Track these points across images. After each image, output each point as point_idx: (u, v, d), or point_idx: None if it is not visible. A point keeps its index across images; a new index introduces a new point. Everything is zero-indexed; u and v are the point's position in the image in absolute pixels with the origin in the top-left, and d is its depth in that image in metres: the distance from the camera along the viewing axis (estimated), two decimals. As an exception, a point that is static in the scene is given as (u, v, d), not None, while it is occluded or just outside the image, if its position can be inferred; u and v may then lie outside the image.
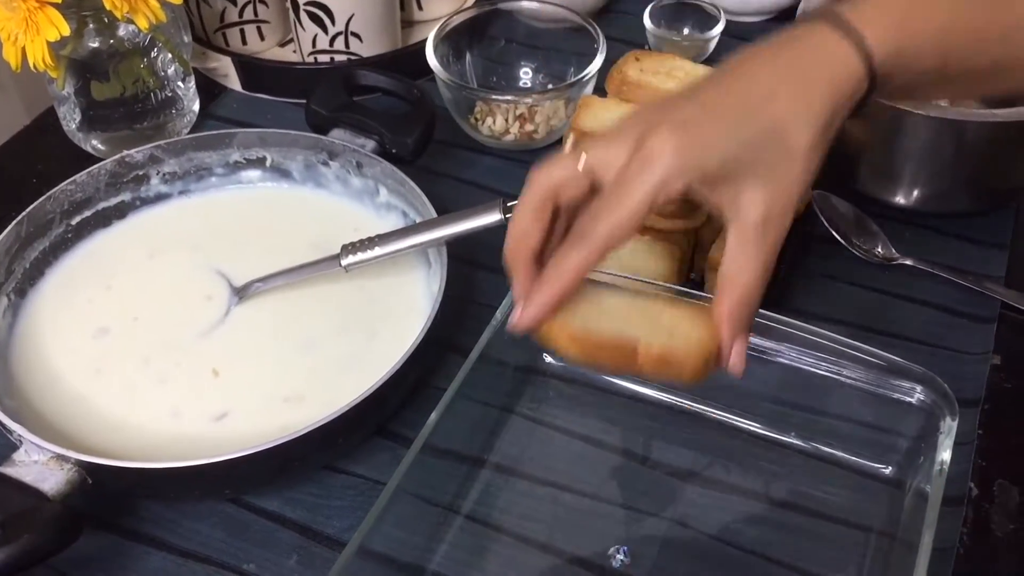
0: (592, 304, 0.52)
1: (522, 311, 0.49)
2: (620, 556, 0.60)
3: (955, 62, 0.49)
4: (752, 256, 0.48)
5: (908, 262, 0.77)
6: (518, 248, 0.49)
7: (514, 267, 0.50)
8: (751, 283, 0.48)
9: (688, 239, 0.73)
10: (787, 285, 0.75)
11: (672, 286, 0.66)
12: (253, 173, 0.80)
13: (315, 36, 0.94)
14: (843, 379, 0.62)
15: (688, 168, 0.46)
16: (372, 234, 0.69)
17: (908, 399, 0.60)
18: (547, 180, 0.49)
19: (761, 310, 0.54)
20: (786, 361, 0.63)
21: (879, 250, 0.78)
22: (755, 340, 0.62)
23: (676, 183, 0.46)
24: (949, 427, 0.58)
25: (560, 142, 0.74)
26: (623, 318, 0.52)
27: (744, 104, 0.47)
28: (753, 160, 0.47)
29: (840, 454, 0.65)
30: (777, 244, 0.48)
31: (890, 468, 0.63)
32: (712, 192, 0.48)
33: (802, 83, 0.47)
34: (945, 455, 0.56)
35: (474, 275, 0.78)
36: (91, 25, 0.80)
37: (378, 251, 0.69)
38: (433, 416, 0.59)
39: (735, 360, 0.50)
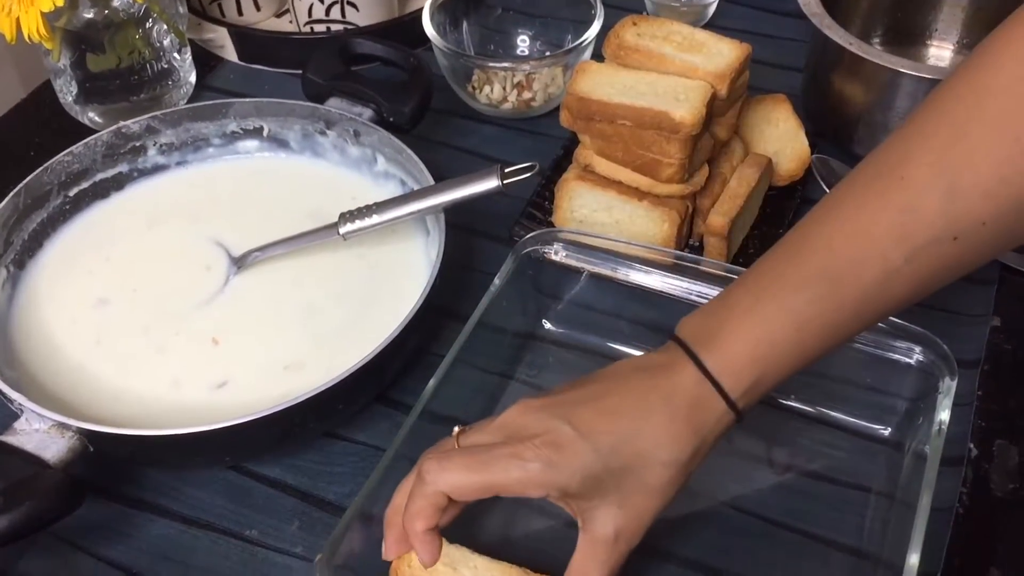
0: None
1: (385, 549, 0.54)
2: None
3: (815, 353, 0.51)
4: (600, 565, 0.50)
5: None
6: (393, 520, 0.53)
7: (386, 530, 0.54)
8: None
9: (686, 204, 0.73)
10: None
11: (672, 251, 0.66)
12: (250, 143, 0.80)
13: (311, 6, 0.94)
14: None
15: (547, 483, 0.49)
16: (370, 202, 0.69)
17: (907, 360, 0.60)
18: (434, 488, 0.50)
19: None
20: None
21: None
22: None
23: (533, 492, 0.49)
24: (948, 387, 0.58)
25: (558, 109, 0.73)
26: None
27: (614, 435, 0.49)
28: (613, 487, 0.49)
29: (839, 416, 0.65)
30: (625, 554, 0.51)
31: (889, 429, 0.64)
32: (568, 503, 0.51)
33: (669, 424, 0.50)
34: (944, 415, 0.56)
35: (472, 242, 0.79)
36: (85, -5, 0.79)
37: (376, 219, 0.69)
38: (432, 382, 0.60)
39: None
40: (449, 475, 0.49)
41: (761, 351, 0.50)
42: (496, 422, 0.52)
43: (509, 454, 0.49)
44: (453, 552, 0.54)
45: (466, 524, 0.55)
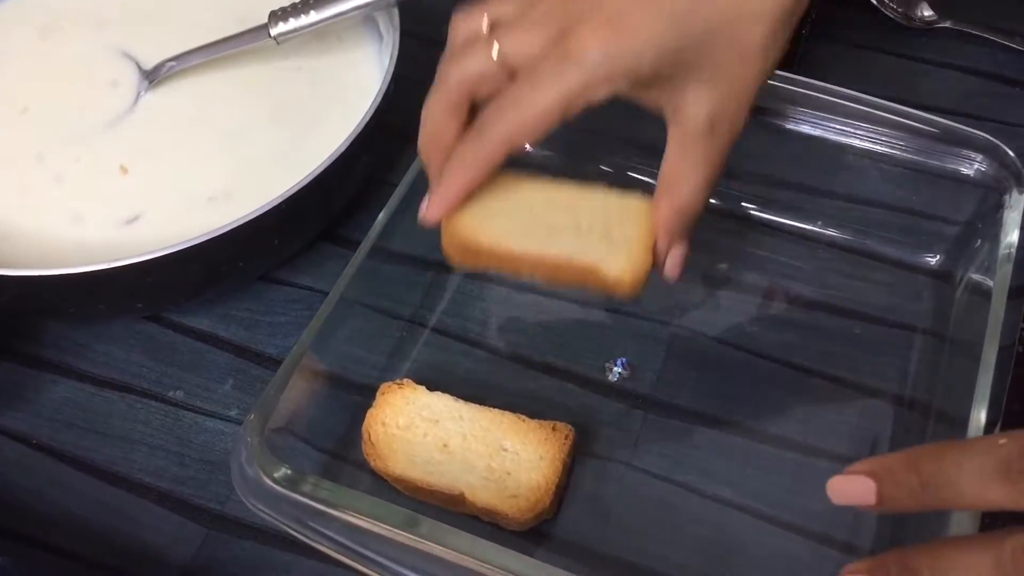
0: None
1: (426, 206, 0.45)
2: (617, 369, 0.52)
3: None
4: (694, 164, 0.43)
5: (950, 24, 0.67)
6: (432, 146, 0.45)
7: (428, 164, 0.45)
8: (691, 192, 0.43)
9: None
10: (809, 55, 0.65)
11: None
12: (164, -69, 0.67)
13: None
14: (877, 152, 0.53)
15: (616, 75, 0.40)
16: (308, -3, 0.57)
17: (963, 171, 0.51)
18: (461, 75, 0.43)
19: (777, 72, 0.46)
20: (808, 131, 0.53)
21: (917, 11, 0.68)
22: (767, 107, 0.53)
23: (599, 91, 0.41)
24: (1016, 201, 0.48)
25: None
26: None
27: None
28: (696, 60, 0.41)
29: (874, 244, 0.56)
30: (726, 151, 0.43)
31: (937, 258, 0.55)
32: (646, 94, 0.42)
33: None
34: (1013, 236, 0.47)
35: (434, 54, 0.66)
36: None
37: (314, 16, 0.58)
38: (382, 215, 0.51)
39: (670, 269, 0.45)
40: (505, 125, 0.41)
41: None
42: (533, 10, 0.42)
43: (558, 58, 0.40)
44: (435, 403, 0.48)
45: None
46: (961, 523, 0.38)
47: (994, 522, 0.36)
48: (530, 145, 0.43)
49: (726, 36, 0.41)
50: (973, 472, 0.32)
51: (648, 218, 0.44)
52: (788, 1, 0.41)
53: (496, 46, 0.42)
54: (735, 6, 0.41)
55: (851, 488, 0.35)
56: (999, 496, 0.32)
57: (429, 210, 0.44)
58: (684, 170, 0.43)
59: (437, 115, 0.44)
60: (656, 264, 0.44)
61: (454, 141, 0.44)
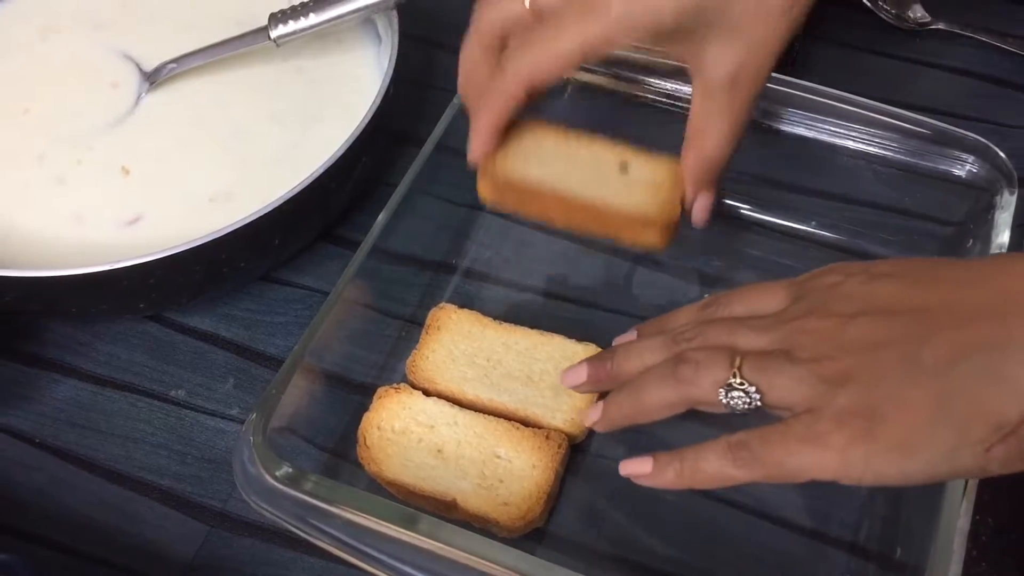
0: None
1: (469, 145, 0.48)
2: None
3: None
4: (718, 116, 0.45)
5: (943, 26, 0.68)
6: (468, 87, 0.48)
7: (467, 102, 0.48)
8: (717, 144, 0.46)
9: None
10: (803, 56, 0.65)
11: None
12: (165, -67, 0.67)
13: None
14: (870, 153, 0.53)
15: (637, 27, 0.42)
16: (307, -1, 0.58)
17: (955, 172, 0.51)
18: (494, 19, 0.46)
19: (773, 75, 0.47)
20: (802, 132, 0.54)
21: (910, 13, 0.69)
22: (764, 108, 0.53)
23: (619, 41, 0.43)
24: (1007, 202, 0.49)
25: None
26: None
27: None
28: (718, 16, 0.42)
29: (867, 244, 0.56)
30: (749, 103, 0.45)
31: (929, 258, 0.54)
32: (670, 47, 0.44)
33: None
34: (1004, 237, 0.48)
35: (433, 56, 0.68)
36: None
37: (314, 18, 0.58)
38: (383, 215, 0.51)
39: (698, 216, 0.48)
40: (525, 64, 0.44)
41: None
42: None
43: (582, 7, 0.42)
44: (431, 408, 0.48)
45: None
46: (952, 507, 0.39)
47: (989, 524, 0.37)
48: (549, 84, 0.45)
49: None
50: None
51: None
52: None
53: None
54: None
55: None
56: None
57: (471, 150, 0.47)
58: (709, 122, 0.45)
59: (471, 57, 0.47)
60: (685, 212, 0.47)
61: (488, 81, 0.46)
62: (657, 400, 0.40)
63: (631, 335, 0.45)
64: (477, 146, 0.47)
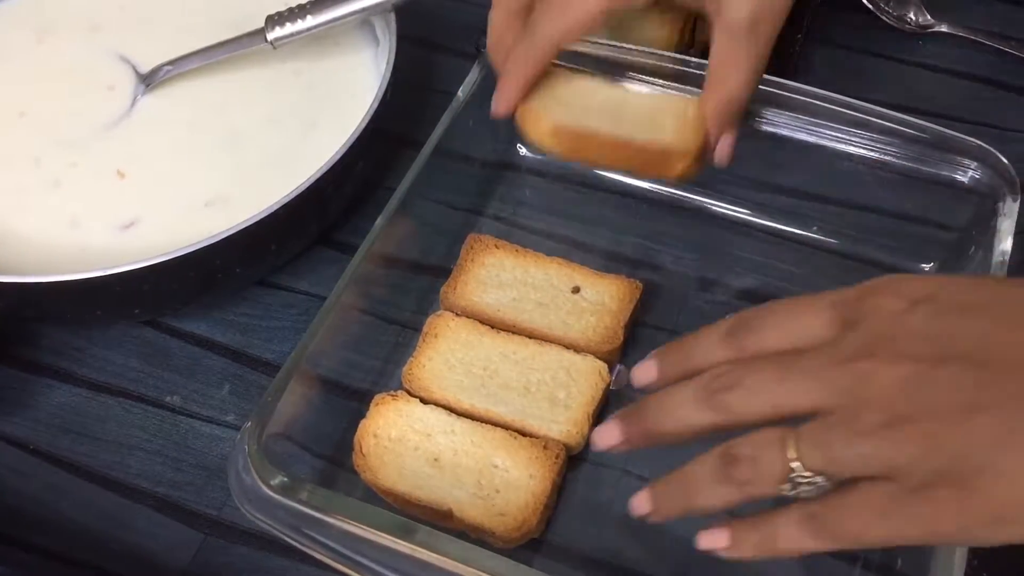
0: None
1: (494, 101, 0.50)
2: (614, 376, 0.51)
3: None
4: (738, 59, 0.46)
5: (945, 29, 0.67)
6: (496, 49, 0.50)
7: (495, 65, 0.51)
8: (739, 84, 0.47)
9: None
10: (804, 60, 0.65)
11: (669, 54, 0.54)
12: (160, -65, 0.67)
13: None
14: (872, 159, 0.53)
15: None
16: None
17: (958, 178, 0.51)
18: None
19: (773, 78, 0.50)
20: (804, 138, 0.53)
21: (912, 16, 0.68)
22: (766, 114, 0.53)
23: None
24: (1010, 209, 0.48)
25: None
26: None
27: None
28: None
29: (870, 250, 0.55)
30: (768, 43, 0.46)
31: (931, 264, 0.55)
32: None
33: None
34: (1006, 244, 0.47)
35: (431, 58, 0.68)
36: None
37: (311, 21, 0.57)
38: (380, 220, 0.51)
39: (720, 155, 0.49)
40: (552, 26, 0.47)
41: None
42: None
43: None
44: (428, 416, 0.48)
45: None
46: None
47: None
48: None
49: None
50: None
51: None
52: None
53: None
54: None
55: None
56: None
57: (496, 105, 0.50)
58: (729, 65, 0.46)
59: (499, 20, 0.50)
60: (707, 151, 0.49)
61: (516, 44, 0.49)
62: (716, 501, 0.36)
63: (650, 366, 0.39)
64: (503, 104, 0.49)
